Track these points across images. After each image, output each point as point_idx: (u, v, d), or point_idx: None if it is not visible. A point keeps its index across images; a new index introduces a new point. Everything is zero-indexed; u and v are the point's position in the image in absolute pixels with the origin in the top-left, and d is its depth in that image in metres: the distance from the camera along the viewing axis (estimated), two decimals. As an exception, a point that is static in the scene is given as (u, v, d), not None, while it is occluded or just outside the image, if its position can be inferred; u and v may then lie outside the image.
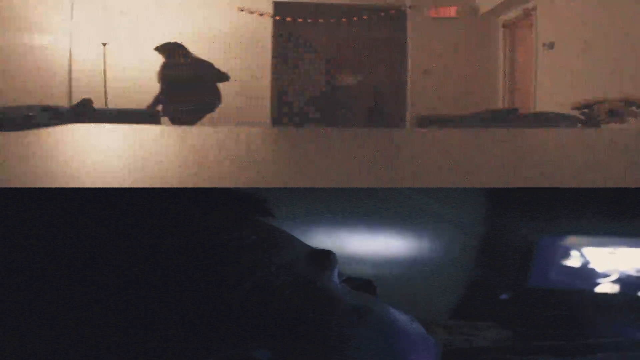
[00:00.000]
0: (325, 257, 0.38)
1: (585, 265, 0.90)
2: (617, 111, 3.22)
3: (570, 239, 0.90)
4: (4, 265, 0.32)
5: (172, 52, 4.78)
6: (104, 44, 7.09)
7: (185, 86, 4.69)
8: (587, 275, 0.89)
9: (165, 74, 4.77)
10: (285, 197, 0.70)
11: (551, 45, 5.83)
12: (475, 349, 0.71)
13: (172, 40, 5.01)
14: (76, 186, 0.38)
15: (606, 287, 0.89)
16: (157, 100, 4.85)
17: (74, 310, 0.31)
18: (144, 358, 0.31)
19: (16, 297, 0.32)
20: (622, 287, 0.88)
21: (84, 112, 5.05)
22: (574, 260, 0.90)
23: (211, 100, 4.80)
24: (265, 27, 7.66)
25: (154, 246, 0.33)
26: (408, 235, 0.84)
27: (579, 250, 0.90)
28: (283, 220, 0.40)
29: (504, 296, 0.90)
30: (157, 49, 4.88)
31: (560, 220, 0.90)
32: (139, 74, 5.06)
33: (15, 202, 0.35)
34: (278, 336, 0.33)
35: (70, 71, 7.30)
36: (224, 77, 4.86)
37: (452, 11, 7.61)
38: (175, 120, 4.68)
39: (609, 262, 0.89)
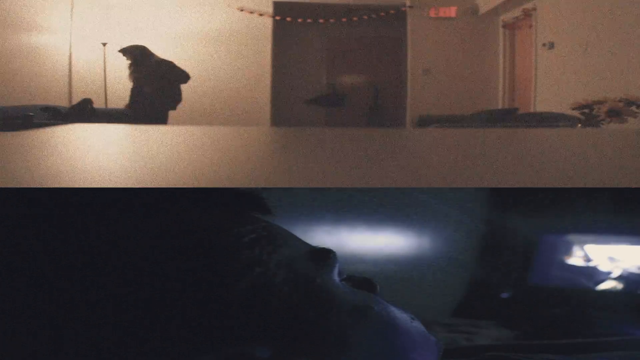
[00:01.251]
0: (325, 256, 0.38)
1: (586, 264, 0.90)
2: (617, 111, 3.22)
3: (571, 238, 0.91)
4: (3, 265, 0.32)
5: (136, 54, 4.92)
6: (104, 44, 7.09)
7: (150, 86, 4.83)
8: (588, 273, 0.90)
9: (131, 75, 4.94)
10: (285, 197, 0.70)
11: (551, 45, 5.83)
12: (476, 347, 0.71)
13: (137, 44, 5.20)
14: (76, 186, 0.38)
15: (607, 285, 0.89)
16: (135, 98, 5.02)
17: (74, 309, 0.31)
18: (143, 357, 0.31)
19: (16, 297, 0.32)
20: (623, 286, 0.88)
21: (84, 112, 5.06)
22: (574, 259, 0.90)
23: (174, 98, 4.96)
24: (265, 27, 7.65)
25: (154, 246, 0.33)
26: (408, 235, 0.85)
27: (580, 249, 0.90)
28: (283, 220, 0.40)
29: (505, 295, 0.90)
30: (121, 51, 5.03)
31: (560, 219, 0.90)
32: (139, 74, 5.16)
33: (15, 202, 0.35)
34: (278, 334, 0.33)
35: (70, 71, 7.30)
36: (184, 75, 5.02)
37: (452, 11, 7.60)
38: (143, 119, 4.78)
39: (610, 261, 0.89)
